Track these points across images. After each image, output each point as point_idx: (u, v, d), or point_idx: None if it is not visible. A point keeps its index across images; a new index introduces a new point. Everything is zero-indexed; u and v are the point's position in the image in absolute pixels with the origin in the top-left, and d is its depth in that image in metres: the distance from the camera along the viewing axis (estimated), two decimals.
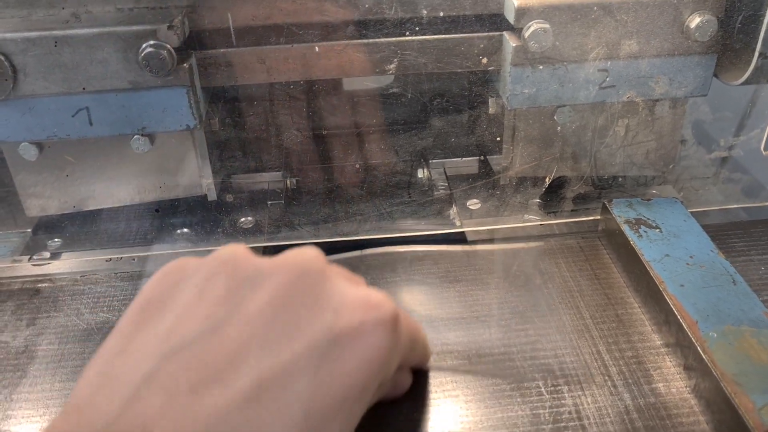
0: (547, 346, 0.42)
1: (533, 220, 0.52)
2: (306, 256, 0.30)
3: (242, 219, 0.52)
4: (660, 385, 0.39)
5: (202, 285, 0.28)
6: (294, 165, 0.51)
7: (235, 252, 0.30)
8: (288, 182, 0.51)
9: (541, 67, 0.46)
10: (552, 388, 0.39)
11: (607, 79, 0.47)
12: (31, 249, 0.51)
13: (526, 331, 0.43)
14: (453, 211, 0.53)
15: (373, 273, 0.48)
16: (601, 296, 0.46)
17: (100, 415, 0.24)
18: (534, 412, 0.38)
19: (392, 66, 0.44)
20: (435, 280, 0.47)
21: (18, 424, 0.38)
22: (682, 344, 0.40)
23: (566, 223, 0.52)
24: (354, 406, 0.27)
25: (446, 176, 0.55)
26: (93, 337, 0.44)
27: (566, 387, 0.39)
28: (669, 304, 0.41)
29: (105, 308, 0.46)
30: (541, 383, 0.40)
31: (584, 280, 0.47)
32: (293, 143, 0.49)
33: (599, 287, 0.46)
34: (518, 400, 0.39)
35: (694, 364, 0.38)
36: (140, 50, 0.44)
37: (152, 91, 0.46)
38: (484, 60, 0.46)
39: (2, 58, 0.43)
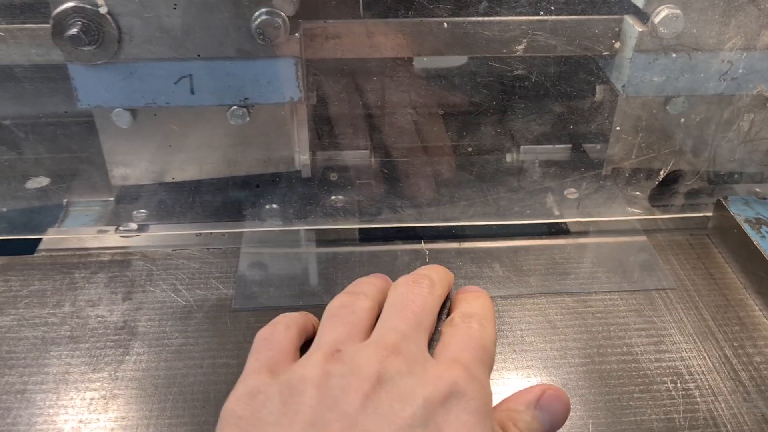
0: (671, 348, 0.40)
1: (637, 213, 0.50)
2: (372, 352, 0.31)
3: (334, 197, 0.50)
4: None
5: (286, 400, 0.30)
6: (398, 145, 0.49)
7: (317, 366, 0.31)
8: (391, 162, 0.49)
9: (665, 54, 0.44)
10: (683, 392, 0.38)
11: (739, 69, 0.45)
12: (115, 219, 0.49)
13: (647, 331, 0.41)
14: (558, 199, 0.51)
15: (478, 263, 0.46)
16: (719, 297, 0.44)
17: None
18: (668, 416, 0.36)
19: (521, 47, 0.42)
20: (545, 274, 0.46)
21: (126, 404, 0.36)
22: None
23: (672, 218, 0.50)
24: None
25: (555, 164, 0.53)
26: (193, 315, 0.42)
27: (698, 392, 0.38)
28: None
29: (202, 285, 0.44)
30: (670, 386, 0.38)
31: (699, 279, 0.45)
32: (398, 123, 0.47)
33: (716, 287, 0.45)
34: (650, 403, 0.37)
35: None
36: (254, 17, 0.41)
37: (260, 60, 0.43)
38: (617, 44, 0.44)
39: (110, 18, 0.41)
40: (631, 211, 0.50)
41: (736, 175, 0.48)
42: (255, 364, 0.32)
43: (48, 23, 0.40)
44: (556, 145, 0.53)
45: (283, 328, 0.34)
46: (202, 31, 0.42)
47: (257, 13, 0.41)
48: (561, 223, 0.50)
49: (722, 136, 0.46)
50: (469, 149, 0.48)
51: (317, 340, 0.33)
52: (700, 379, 0.38)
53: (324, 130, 0.49)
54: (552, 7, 0.44)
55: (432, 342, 0.33)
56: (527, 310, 0.43)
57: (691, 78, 0.45)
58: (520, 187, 0.48)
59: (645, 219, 0.50)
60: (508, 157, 0.51)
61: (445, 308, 0.37)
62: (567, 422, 0.32)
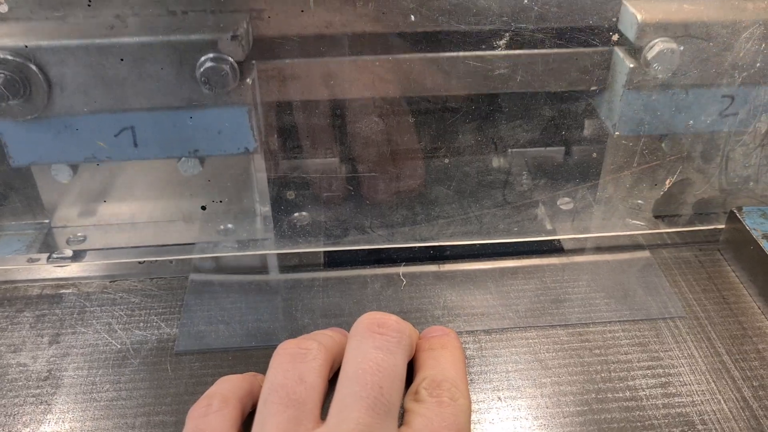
0: (681, 390, 0.35)
1: (639, 226, 0.44)
2: None
3: (297, 214, 0.44)
4: None
5: None
6: (368, 158, 0.43)
7: None
8: (356, 178, 0.43)
9: (658, 95, 0.39)
10: None
11: (731, 108, 0.39)
12: (50, 245, 0.43)
13: (653, 370, 0.36)
14: (549, 213, 0.45)
15: (460, 293, 0.40)
16: (734, 325, 0.38)
17: None
18: None
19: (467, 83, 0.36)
20: (535, 301, 0.40)
21: None
22: None
23: (678, 231, 0.44)
24: None
25: (545, 173, 0.47)
26: (129, 361, 0.36)
27: None
28: None
29: (141, 324, 0.38)
30: None
31: (711, 303, 0.40)
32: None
33: (730, 314, 0.39)
34: None
35: None
36: (198, 64, 0.36)
37: (208, 110, 0.38)
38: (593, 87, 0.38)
39: (36, 70, 0.35)
40: (633, 224, 0.45)
41: (752, 183, 0.43)
42: None
43: None
44: (548, 149, 0.47)
45: (220, 405, 0.28)
46: (143, 80, 0.36)
47: (202, 59, 0.36)
48: (554, 240, 0.44)
49: (736, 139, 0.41)
50: (446, 161, 0.42)
51: (256, 428, 0.27)
52: (715, 428, 0.33)
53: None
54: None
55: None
56: (515, 347, 0.37)
57: (685, 116, 0.40)
58: (506, 202, 0.42)
59: (650, 233, 0.44)
60: (500, 166, 0.45)
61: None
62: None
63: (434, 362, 0.30)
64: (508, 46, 0.38)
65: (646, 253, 0.43)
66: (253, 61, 0.38)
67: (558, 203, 0.45)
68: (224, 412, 0.27)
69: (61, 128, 0.37)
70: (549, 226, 0.44)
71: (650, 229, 0.44)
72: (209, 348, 0.37)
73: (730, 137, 0.40)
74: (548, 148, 0.44)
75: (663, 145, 0.42)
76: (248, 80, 0.37)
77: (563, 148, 0.47)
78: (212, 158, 0.41)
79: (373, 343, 0.28)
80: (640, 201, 0.45)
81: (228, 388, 0.29)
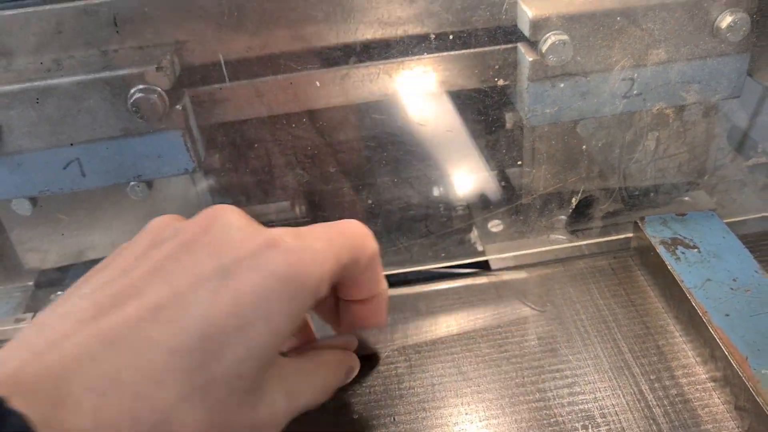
0: (586, 389, 0.39)
1: (560, 240, 0.49)
2: (217, 209, 0.31)
3: None
4: (709, 426, 0.36)
5: (128, 253, 0.31)
6: (303, 201, 0.48)
7: (162, 219, 0.33)
8: (297, 212, 0.48)
9: (561, 83, 0.43)
10: None
11: (634, 89, 0.44)
12: (33, 306, 0.49)
13: (561, 372, 0.40)
14: (474, 236, 0.50)
15: (393, 315, 0.45)
16: (639, 325, 0.43)
17: (29, 347, 0.26)
18: None
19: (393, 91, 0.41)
20: (460, 318, 0.45)
21: None
22: (731, 382, 0.37)
23: (596, 242, 0.49)
24: (260, 327, 0.28)
25: (463, 202, 0.52)
26: None
27: None
28: (714, 337, 0.38)
29: None
30: None
31: (619, 307, 0.44)
32: (300, 182, 0.46)
33: (636, 315, 0.43)
34: None
35: (746, 405, 0.36)
36: (129, 96, 0.41)
37: (145, 137, 0.43)
38: (500, 81, 0.43)
39: None
40: (555, 238, 0.49)
41: (652, 194, 0.47)
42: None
43: None
44: (469, 178, 0.52)
45: None
46: (81, 115, 0.41)
47: (132, 91, 0.41)
48: (481, 261, 0.48)
49: (629, 157, 0.45)
50: (369, 201, 0.47)
51: None
52: (613, 420, 0.37)
53: (230, 193, 0.48)
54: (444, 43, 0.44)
55: None
56: (441, 362, 0.42)
57: (590, 102, 0.44)
58: (429, 231, 0.47)
59: (568, 246, 0.48)
60: (419, 201, 0.50)
61: None
62: None
63: None
64: (422, 51, 0.43)
65: (565, 266, 0.48)
66: (184, 89, 0.43)
67: (489, 226, 0.50)
68: None
69: (14, 166, 0.42)
70: (480, 248, 0.49)
71: (568, 243, 0.48)
72: None
73: (623, 156, 0.45)
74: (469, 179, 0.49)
75: (578, 130, 0.46)
76: (178, 106, 0.42)
77: (493, 173, 0.52)
78: (159, 181, 0.46)
79: None
80: (561, 217, 0.50)
81: None
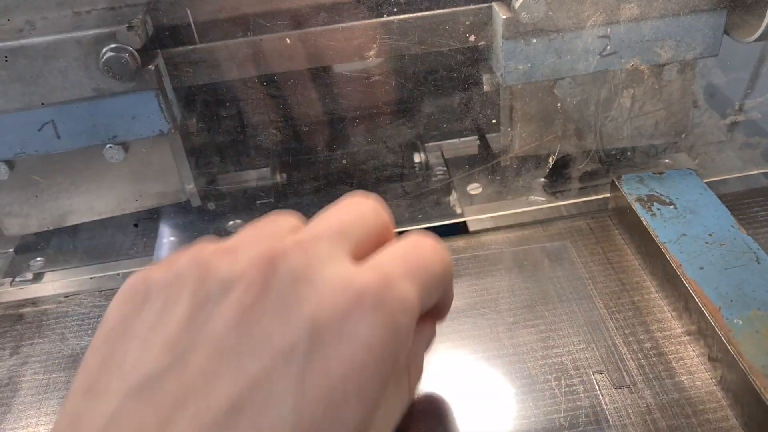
0: (560, 343, 0.39)
1: (538, 202, 0.49)
2: (271, 243, 0.26)
3: (230, 223, 0.49)
4: (683, 378, 0.36)
5: (162, 307, 0.26)
6: (278, 164, 0.48)
7: (197, 260, 0.26)
8: (277, 179, 0.48)
9: (534, 40, 0.43)
10: (566, 389, 0.36)
11: (608, 46, 0.43)
12: (12, 271, 0.49)
13: (536, 327, 0.40)
14: (453, 198, 0.49)
15: None
16: (615, 282, 0.43)
17: None
18: (548, 417, 0.35)
19: (371, 52, 0.41)
20: None
21: None
22: (704, 333, 0.37)
23: (574, 203, 0.48)
24: (354, 406, 0.23)
25: (444, 160, 0.52)
26: (78, 363, 0.41)
27: (581, 387, 0.36)
28: (688, 290, 0.38)
29: (90, 331, 0.44)
30: (554, 384, 0.37)
31: (596, 265, 0.44)
32: (274, 141, 0.46)
33: (612, 272, 0.43)
34: (530, 405, 0.36)
35: (719, 355, 0.35)
36: (100, 55, 0.41)
37: (118, 97, 0.43)
38: (472, 37, 0.42)
39: None
40: (533, 200, 0.49)
41: (629, 152, 0.47)
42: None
43: None
44: (456, 140, 0.52)
45: None
46: (53, 76, 0.41)
47: (104, 50, 0.41)
48: (460, 222, 0.48)
49: (605, 115, 0.45)
50: (345, 161, 0.47)
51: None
52: (586, 373, 0.37)
53: (206, 156, 0.48)
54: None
55: None
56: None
57: (564, 60, 0.44)
58: (407, 193, 0.47)
59: (546, 207, 0.48)
60: (403, 160, 0.50)
61: None
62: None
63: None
64: (396, 11, 0.43)
65: (544, 227, 0.47)
66: (157, 49, 0.43)
67: (467, 189, 0.50)
68: None
69: None
70: (459, 210, 0.49)
71: (546, 204, 0.48)
72: None
73: (598, 114, 0.45)
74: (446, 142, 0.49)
75: (555, 90, 0.46)
76: (151, 66, 0.42)
77: (475, 137, 0.52)
78: (136, 144, 0.45)
79: (347, 202, 0.30)
80: (541, 180, 0.50)
81: None
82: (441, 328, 0.40)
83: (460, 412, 0.35)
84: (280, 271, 0.25)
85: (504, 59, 0.44)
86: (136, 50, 0.41)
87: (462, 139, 0.53)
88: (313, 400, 0.23)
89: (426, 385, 0.37)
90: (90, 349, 0.27)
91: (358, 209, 0.29)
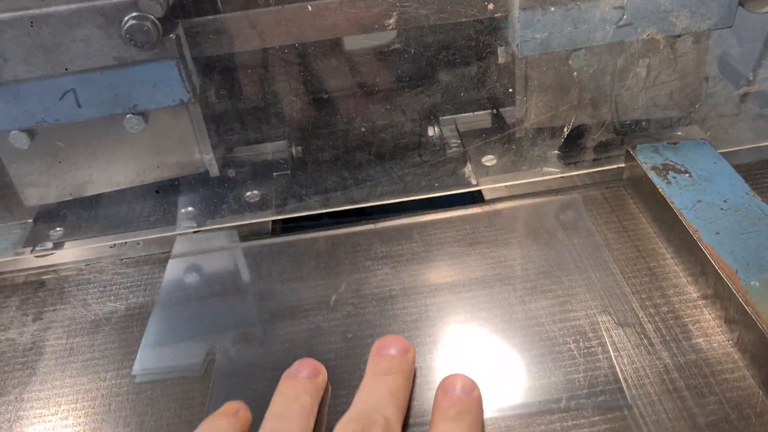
0: (577, 307, 0.40)
1: (553, 172, 0.49)
2: None
3: (248, 193, 0.50)
4: (700, 340, 0.37)
5: None
6: (297, 133, 0.48)
7: None
8: (293, 151, 0.49)
9: (552, 8, 0.43)
10: (585, 351, 0.37)
11: (624, 16, 0.44)
12: (33, 240, 0.49)
13: (554, 292, 0.41)
14: (468, 169, 0.50)
15: (389, 244, 0.46)
16: (630, 249, 0.43)
17: None
18: (568, 377, 0.36)
19: (391, 20, 0.41)
20: (454, 245, 0.45)
21: (31, 425, 0.37)
22: (721, 296, 0.37)
23: (588, 173, 0.49)
24: None
25: (458, 133, 0.52)
26: (101, 328, 0.42)
27: (600, 349, 0.37)
28: (705, 254, 0.38)
29: (112, 297, 0.44)
30: (573, 346, 0.37)
31: (611, 233, 0.45)
32: (294, 110, 0.47)
33: (628, 239, 0.44)
34: (550, 366, 0.36)
35: (736, 317, 0.36)
36: (122, 24, 0.41)
37: (140, 66, 0.43)
38: (490, 6, 0.43)
39: None
40: (548, 171, 0.49)
41: (643, 123, 0.47)
42: None
43: None
44: (471, 113, 0.52)
45: None
46: (75, 44, 0.42)
47: (126, 19, 0.41)
48: (476, 192, 0.49)
49: (621, 84, 0.45)
50: (362, 129, 0.48)
51: None
52: (604, 336, 0.38)
53: (225, 127, 0.48)
54: None
55: None
56: (434, 285, 0.42)
57: (584, 30, 0.44)
58: (424, 161, 0.47)
59: (560, 177, 0.49)
60: (419, 130, 0.50)
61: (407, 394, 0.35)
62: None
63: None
64: None
65: (559, 196, 0.48)
66: (178, 19, 0.43)
67: (482, 160, 0.50)
68: None
69: (10, 96, 0.43)
70: (474, 181, 0.49)
71: (561, 174, 0.49)
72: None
73: (614, 83, 0.45)
74: (464, 114, 0.50)
75: (570, 61, 0.46)
76: (172, 35, 0.42)
77: (489, 111, 0.52)
78: (155, 114, 0.46)
79: None
80: (555, 151, 0.50)
81: None
82: (460, 294, 0.41)
83: (481, 374, 0.36)
84: None
85: (521, 29, 0.44)
86: (158, 19, 0.41)
87: (476, 113, 0.53)
88: None
89: (448, 351, 0.38)
90: None
91: None
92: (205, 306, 0.43)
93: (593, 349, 0.37)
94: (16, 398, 0.38)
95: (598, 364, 0.36)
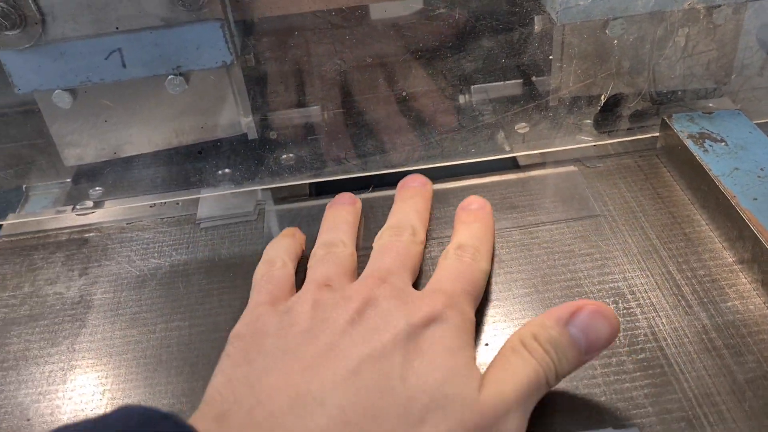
0: (615, 270, 0.41)
1: (586, 141, 0.50)
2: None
3: (284, 156, 0.50)
4: (737, 302, 0.38)
5: (285, 323, 0.35)
6: (337, 97, 0.49)
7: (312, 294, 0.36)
8: (331, 115, 0.49)
9: None
10: (624, 311, 0.38)
11: None
12: (73, 199, 0.50)
13: (591, 256, 0.42)
14: (501, 135, 0.50)
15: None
16: (665, 215, 0.44)
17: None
18: None
19: None
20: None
21: (84, 374, 0.38)
22: (759, 260, 0.38)
23: (621, 142, 0.50)
24: (445, 371, 0.31)
25: (493, 99, 0.52)
26: (147, 283, 0.43)
27: (639, 309, 0.38)
28: (743, 219, 0.39)
29: (155, 254, 0.45)
30: (612, 306, 0.38)
31: (646, 199, 0.45)
32: (335, 74, 0.47)
33: (663, 206, 0.45)
34: None
35: None
36: None
37: (185, 26, 0.44)
38: None
39: (29, 0, 0.41)
40: (581, 138, 0.50)
41: (679, 92, 0.48)
42: (257, 297, 0.37)
43: None
44: (498, 82, 0.53)
45: (281, 265, 0.39)
46: (123, 3, 0.42)
47: None
48: (510, 158, 0.50)
49: (659, 54, 0.46)
50: (404, 94, 0.48)
51: (309, 277, 0.38)
52: (642, 297, 0.39)
53: (265, 90, 0.49)
54: None
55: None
56: None
57: None
58: (461, 125, 0.48)
59: (594, 145, 0.49)
60: (454, 97, 0.51)
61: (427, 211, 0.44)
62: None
63: (466, 232, 0.40)
64: None
65: (593, 164, 0.49)
66: None
67: (516, 128, 0.51)
68: (284, 270, 0.39)
69: (57, 55, 0.43)
70: (507, 148, 0.50)
71: (596, 142, 0.49)
72: None
73: (653, 52, 0.45)
74: (498, 82, 0.50)
75: (607, 31, 0.46)
76: None
77: (518, 81, 0.53)
78: (195, 76, 0.46)
79: (392, 239, 0.40)
80: (587, 120, 0.51)
81: (284, 252, 0.40)
82: (500, 254, 0.42)
83: None
84: (374, 301, 0.34)
85: None
86: None
87: (510, 81, 0.54)
88: (416, 371, 0.30)
89: (488, 312, 0.39)
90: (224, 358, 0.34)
91: (407, 241, 0.40)
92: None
93: (632, 310, 0.38)
94: (68, 348, 0.39)
95: (637, 323, 0.37)
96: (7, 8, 0.41)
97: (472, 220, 0.41)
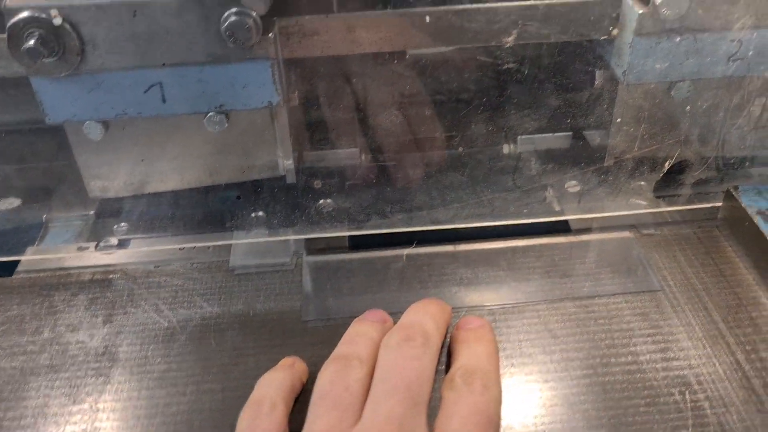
0: (680, 355, 0.38)
1: (641, 205, 0.47)
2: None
3: (320, 202, 0.48)
4: None
5: None
6: (386, 146, 0.46)
7: None
8: (378, 165, 0.47)
9: (668, 37, 0.41)
10: (692, 404, 0.35)
11: (738, 51, 0.42)
12: (96, 234, 0.47)
13: (653, 337, 0.39)
14: (551, 194, 0.48)
15: (473, 267, 0.44)
16: (730, 296, 0.41)
17: None
18: (676, 431, 0.34)
19: (510, 38, 0.39)
20: (541, 276, 0.43)
21: None
22: None
23: (679, 210, 0.47)
24: None
25: (545, 158, 0.50)
26: (177, 337, 0.40)
27: (707, 403, 0.35)
28: None
29: (185, 304, 0.42)
30: (678, 398, 0.36)
31: (708, 276, 0.43)
32: (385, 122, 0.45)
33: (727, 285, 0.42)
34: (656, 417, 0.35)
35: None
36: (222, 19, 0.39)
37: (233, 64, 0.41)
38: (615, 31, 0.41)
39: (69, 28, 0.38)
40: (635, 203, 0.48)
41: (747, 163, 0.46)
42: None
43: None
44: (554, 135, 0.50)
45: (269, 410, 0.32)
46: (169, 37, 0.39)
47: (226, 14, 0.39)
48: (561, 220, 0.47)
49: (732, 123, 0.43)
50: (460, 148, 0.46)
51: (308, 426, 0.31)
52: (710, 388, 0.36)
53: (307, 133, 0.46)
54: None
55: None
56: (526, 319, 0.41)
57: (696, 62, 0.42)
58: (515, 185, 0.45)
59: (651, 212, 0.47)
60: (503, 152, 0.48)
61: (444, 346, 0.37)
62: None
63: (469, 353, 0.35)
64: None
65: (649, 231, 0.46)
66: (275, 18, 0.41)
67: (566, 186, 0.49)
68: (272, 416, 0.32)
69: (93, 85, 0.40)
70: (557, 208, 0.48)
71: (652, 208, 0.47)
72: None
73: (726, 121, 0.43)
74: (555, 134, 0.48)
75: (672, 93, 0.44)
76: (270, 35, 0.40)
77: (570, 133, 0.50)
78: (236, 114, 0.43)
79: (401, 352, 0.33)
80: (642, 183, 0.48)
81: (274, 391, 0.34)
82: (555, 330, 0.40)
83: (583, 421, 0.34)
84: None
85: (631, 57, 0.42)
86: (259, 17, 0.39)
87: (570, 139, 0.51)
88: None
89: (539, 391, 0.36)
90: None
91: (418, 353, 0.34)
92: None
93: (700, 403, 0.35)
94: (91, 407, 0.36)
95: (706, 419, 0.35)
96: (47, 35, 0.38)
97: (473, 340, 0.36)
